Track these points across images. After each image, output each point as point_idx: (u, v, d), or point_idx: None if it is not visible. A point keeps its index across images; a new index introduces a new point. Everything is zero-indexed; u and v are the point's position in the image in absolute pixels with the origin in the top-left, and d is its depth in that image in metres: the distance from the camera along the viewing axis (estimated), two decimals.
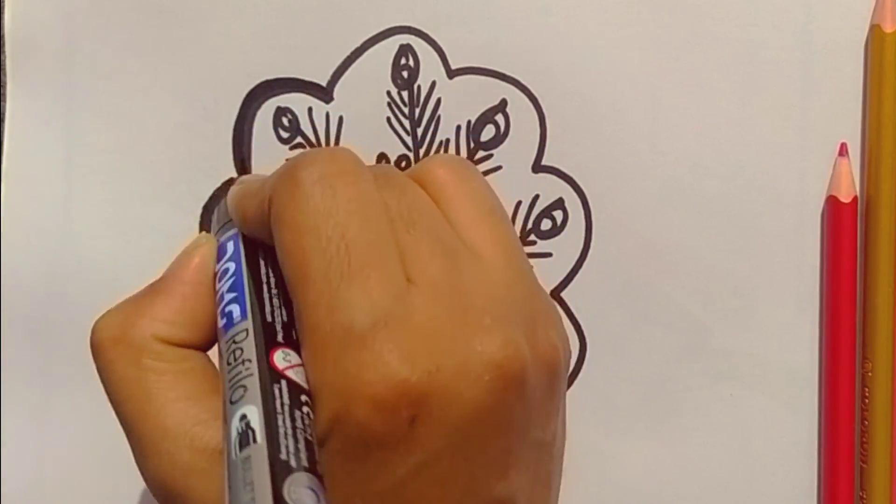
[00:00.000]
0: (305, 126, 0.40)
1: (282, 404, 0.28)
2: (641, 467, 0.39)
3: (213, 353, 0.33)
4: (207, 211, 0.40)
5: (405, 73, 0.39)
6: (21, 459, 0.40)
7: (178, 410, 0.31)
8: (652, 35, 0.39)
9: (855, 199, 0.38)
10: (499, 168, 0.39)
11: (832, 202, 0.38)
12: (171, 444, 0.30)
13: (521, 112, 0.39)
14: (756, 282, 0.39)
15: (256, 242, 0.33)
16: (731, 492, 0.39)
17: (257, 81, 0.40)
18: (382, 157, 0.39)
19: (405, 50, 0.39)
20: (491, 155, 0.39)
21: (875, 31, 0.38)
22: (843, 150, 0.38)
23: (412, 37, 0.39)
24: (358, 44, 0.39)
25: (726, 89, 0.39)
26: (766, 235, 0.39)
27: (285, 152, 0.40)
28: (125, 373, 0.32)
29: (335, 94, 0.40)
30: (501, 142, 0.39)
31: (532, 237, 0.39)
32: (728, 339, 0.39)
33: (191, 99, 0.40)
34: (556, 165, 0.39)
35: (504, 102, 0.39)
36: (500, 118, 0.39)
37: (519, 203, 0.39)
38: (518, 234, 0.39)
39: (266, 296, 0.31)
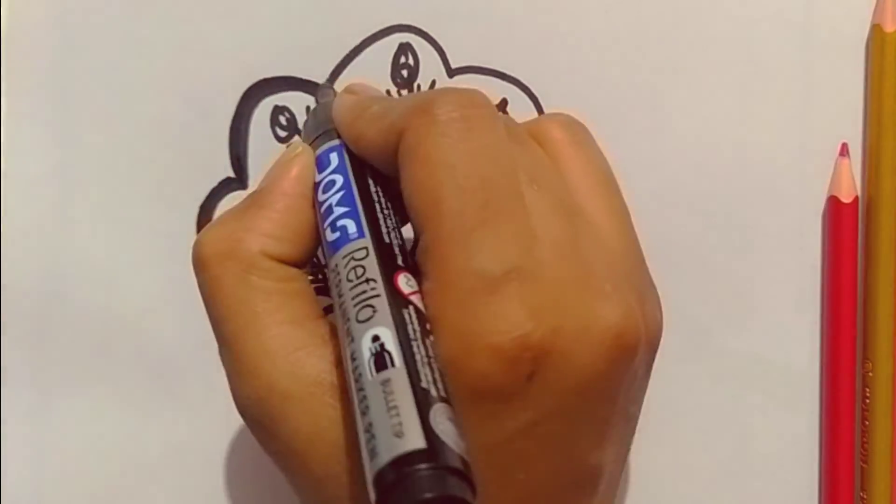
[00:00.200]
0: (303, 125, 0.40)
1: (414, 330, 0.28)
2: (642, 468, 0.39)
3: None
4: (204, 210, 0.40)
5: (405, 72, 0.39)
6: (20, 459, 0.40)
7: (282, 333, 0.30)
8: (652, 35, 0.39)
9: (856, 199, 0.38)
10: None
11: (833, 202, 0.38)
12: (271, 367, 0.30)
13: (521, 111, 0.39)
14: (756, 282, 0.39)
15: (360, 158, 0.32)
16: (731, 492, 0.39)
17: (254, 80, 0.40)
18: None
19: (405, 48, 0.39)
20: None
21: (876, 30, 0.38)
22: (843, 150, 0.38)
23: (412, 35, 0.39)
24: (357, 42, 0.39)
25: (727, 89, 0.39)
26: (767, 235, 0.39)
27: (282, 151, 0.40)
28: (232, 290, 0.31)
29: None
30: None
31: None
32: (728, 339, 0.39)
33: (187, 98, 0.40)
34: None
35: (504, 102, 0.39)
36: None
37: None
38: None
39: (380, 216, 0.31)
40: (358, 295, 0.29)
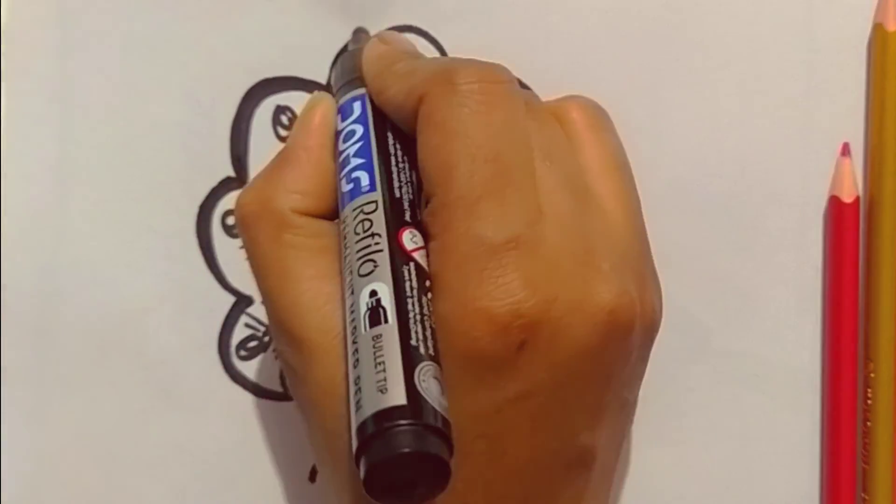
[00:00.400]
0: None
1: (411, 287, 0.28)
2: (643, 468, 0.39)
3: None
4: (204, 210, 0.40)
5: None
6: (20, 459, 0.40)
7: (312, 287, 0.31)
8: (653, 34, 0.39)
9: (857, 199, 0.38)
10: None
11: (834, 202, 0.38)
12: (301, 320, 0.31)
13: None
14: (758, 282, 0.39)
15: (382, 111, 0.33)
16: (732, 493, 0.39)
17: (256, 79, 0.40)
18: None
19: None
20: None
21: (878, 30, 0.38)
22: (845, 150, 0.38)
23: (414, 35, 0.39)
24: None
25: (728, 89, 0.39)
26: (768, 235, 0.39)
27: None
28: (266, 248, 0.32)
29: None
30: None
31: None
32: (730, 339, 0.39)
33: (188, 97, 0.40)
34: None
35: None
36: None
37: None
38: None
39: (394, 169, 0.31)
40: (362, 249, 0.29)
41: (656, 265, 0.34)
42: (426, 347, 0.28)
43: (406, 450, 0.26)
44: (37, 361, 0.40)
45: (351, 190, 0.31)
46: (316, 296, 0.31)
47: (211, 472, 0.40)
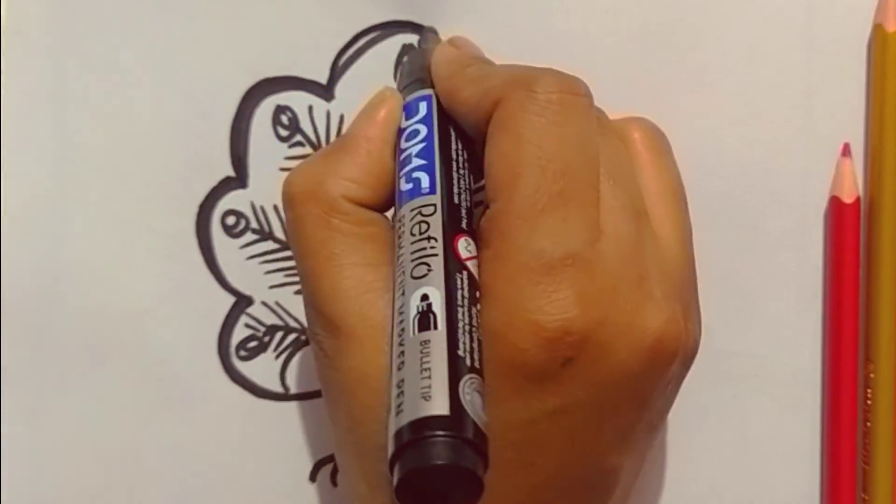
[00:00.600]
0: (305, 124, 0.40)
1: (462, 296, 0.28)
2: (643, 468, 0.39)
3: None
4: (203, 209, 0.40)
5: None
6: (20, 459, 0.39)
7: (355, 274, 0.31)
8: (653, 34, 0.39)
9: (857, 199, 0.38)
10: None
11: (835, 202, 0.38)
12: (341, 305, 0.31)
13: None
14: (758, 282, 0.39)
15: (447, 113, 0.33)
16: (732, 493, 0.39)
17: (256, 79, 0.40)
18: None
19: (408, 50, 0.39)
20: None
21: (877, 30, 0.38)
22: (845, 151, 0.38)
23: (414, 36, 0.39)
24: (360, 43, 0.39)
25: (728, 89, 0.39)
26: (769, 236, 0.39)
27: (284, 151, 0.40)
28: (313, 230, 0.32)
29: (336, 93, 0.39)
30: None
31: None
32: (730, 339, 0.39)
33: (187, 96, 0.40)
34: None
35: None
36: None
37: None
38: None
39: (455, 174, 0.31)
40: (418, 251, 0.29)
41: None
42: (472, 359, 0.27)
43: (441, 461, 0.25)
44: (37, 361, 0.39)
45: (410, 190, 0.31)
46: (358, 283, 0.31)
47: (210, 472, 0.40)
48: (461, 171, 0.32)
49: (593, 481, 0.31)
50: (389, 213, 0.33)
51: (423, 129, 0.32)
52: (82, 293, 0.39)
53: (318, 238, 0.32)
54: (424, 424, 0.26)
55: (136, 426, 0.40)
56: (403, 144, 0.32)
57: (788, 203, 0.39)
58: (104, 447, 0.40)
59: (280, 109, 0.40)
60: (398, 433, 0.26)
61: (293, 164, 0.39)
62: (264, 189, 0.40)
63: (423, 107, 0.33)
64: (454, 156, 0.32)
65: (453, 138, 0.32)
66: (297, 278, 0.40)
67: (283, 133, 0.40)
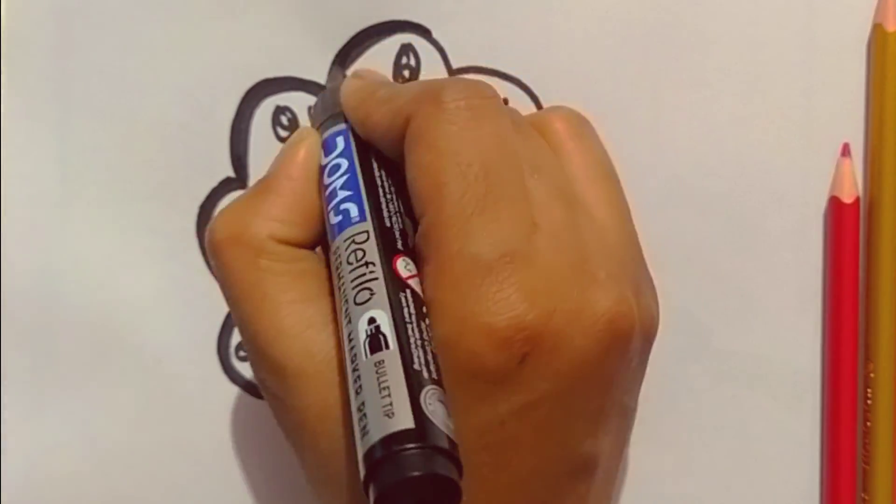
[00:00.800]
0: (305, 124, 0.39)
1: (409, 313, 0.28)
2: (642, 468, 0.39)
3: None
4: (204, 210, 0.40)
5: (406, 73, 0.39)
6: (20, 459, 0.39)
7: (293, 312, 0.31)
8: (653, 34, 0.39)
9: (857, 199, 0.38)
10: None
11: (834, 202, 0.38)
12: (284, 346, 0.31)
13: (522, 111, 0.39)
14: (758, 282, 0.39)
15: (365, 143, 0.33)
16: (732, 493, 0.39)
17: (256, 80, 0.40)
18: None
19: (406, 49, 0.39)
20: None
21: (877, 30, 0.38)
22: (845, 151, 0.38)
23: (413, 36, 0.39)
24: (359, 43, 0.39)
25: (728, 89, 0.39)
26: (769, 236, 0.39)
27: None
28: (242, 273, 0.32)
29: None
30: None
31: None
32: (730, 339, 0.39)
33: (187, 97, 0.40)
34: None
35: (505, 101, 0.39)
36: None
37: None
38: None
39: (382, 200, 0.31)
40: (357, 278, 0.29)
41: (657, 266, 0.34)
42: (429, 371, 0.27)
43: (417, 472, 0.26)
44: (37, 361, 0.40)
45: (340, 222, 0.31)
46: (298, 320, 0.31)
47: (210, 472, 0.40)
48: (388, 196, 0.32)
49: (572, 469, 0.31)
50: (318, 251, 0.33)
51: (345, 162, 0.33)
52: (82, 293, 0.40)
53: (249, 281, 0.32)
54: (393, 440, 0.26)
55: (136, 426, 0.40)
56: (327, 180, 0.33)
57: (788, 203, 0.39)
58: (104, 447, 0.40)
59: (280, 110, 0.40)
60: (368, 453, 0.26)
61: None
62: None
63: (340, 141, 0.33)
64: (379, 182, 0.32)
65: (375, 167, 0.32)
66: None
67: (283, 133, 0.40)
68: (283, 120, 0.40)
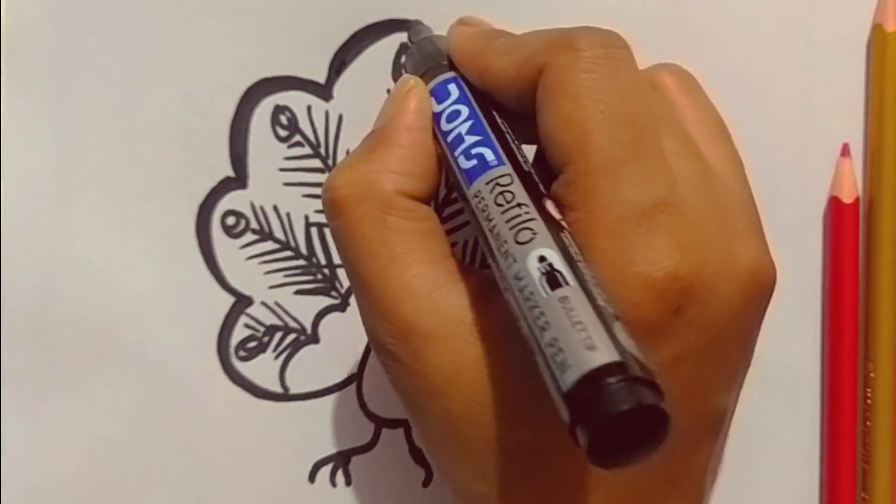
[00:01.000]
0: (304, 124, 0.39)
1: (575, 252, 0.27)
2: None
3: None
4: (203, 210, 0.40)
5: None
6: (20, 459, 0.39)
7: (423, 272, 0.30)
8: (653, 34, 0.39)
9: (857, 199, 0.38)
10: None
11: (834, 203, 0.38)
12: (414, 305, 0.30)
13: None
14: None
15: (479, 91, 0.32)
16: (732, 493, 0.39)
17: (255, 79, 0.39)
18: None
19: (406, 49, 0.39)
20: None
21: (877, 30, 0.38)
22: (845, 151, 0.38)
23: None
24: (358, 41, 0.39)
25: (728, 89, 0.38)
26: (768, 236, 0.38)
27: (283, 151, 0.40)
28: (370, 231, 0.31)
29: (335, 93, 0.39)
30: None
31: None
32: None
33: (187, 97, 0.40)
34: None
35: None
36: None
37: None
38: None
39: (512, 145, 0.31)
40: (513, 218, 0.28)
41: None
42: (611, 307, 0.26)
43: (631, 405, 0.24)
44: (36, 361, 0.39)
45: (475, 166, 0.30)
46: (428, 280, 0.30)
47: (209, 472, 0.40)
48: (515, 143, 0.31)
49: (705, 424, 0.30)
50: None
51: (464, 109, 0.32)
52: (82, 293, 0.39)
53: (377, 239, 0.31)
54: (597, 374, 0.25)
55: (136, 426, 0.40)
56: (447, 126, 0.32)
57: (788, 203, 0.39)
58: (104, 447, 0.39)
59: (279, 109, 0.40)
60: (576, 388, 0.25)
61: (293, 164, 0.40)
62: (264, 189, 0.40)
63: (453, 89, 0.33)
64: (503, 128, 0.31)
65: (495, 114, 0.32)
66: (297, 279, 0.40)
67: (283, 133, 0.40)
68: (283, 119, 0.40)
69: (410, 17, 0.39)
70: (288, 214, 0.40)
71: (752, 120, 0.39)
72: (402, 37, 0.39)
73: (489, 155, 0.30)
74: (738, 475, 0.39)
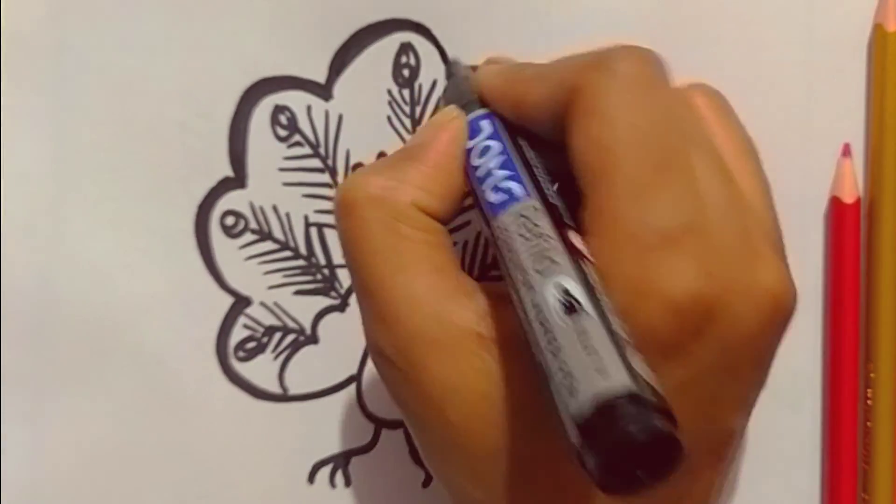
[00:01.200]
0: (304, 124, 0.39)
1: (594, 280, 0.28)
2: None
3: None
4: (202, 210, 0.40)
5: (406, 72, 0.39)
6: (19, 459, 0.39)
7: (430, 282, 0.30)
8: (653, 34, 0.39)
9: (858, 199, 0.38)
10: None
11: (835, 203, 0.38)
12: (418, 314, 0.30)
13: None
14: None
15: (512, 127, 0.33)
16: (733, 493, 0.39)
17: (255, 79, 0.39)
18: (382, 156, 0.39)
19: (406, 48, 0.39)
20: None
21: (878, 30, 0.38)
22: (846, 151, 0.38)
23: (413, 35, 0.39)
24: (358, 42, 0.39)
25: (728, 89, 0.38)
26: None
27: (283, 151, 0.39)
28: (381, 236, 0.31)
29: (335, 92, 0.39)
30: None
31: None
32: None
33: (186, 96, 0.40)
34: None
35: None
36: None
37: None
38: None
39: (540, 179, 0.31)
40: (534, 248, 0.29)
41: None
42: (627, 335, 0.26)
43: (649, 433, 0.24)
44: (36, 361, 0.39)
45: (503, 200, 0.31)
46: (435, 290, 0.30)
47: (209, 473, 0.40)
48: (543, 176, 0.31)
49: (716, 446, 0.30)
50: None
51: (496, 144, 0.32)
52: (81, 293, 0.39)
53: (386, 245, 0.31)
54: (608, 399, 0.24)
55: (135, 427, 0.39)
56: (477, 161, 0.32)
57: (788, 204, 0.38)
58: (103, 447, 0.39)
59: (279, 109, 0.40)
60: (584, 413, 0.25)
61: (292, 164, 0.39)
62: (263, 189, 0.39)
63: (485, 125, 0.33)
64: (533, 163, 0.32)
65: (525, 149, 0.32)
66: (296, 279, 0.39)
67: (282, 133, 0.40)
68: (282, 119, 0.40)
69: (411, 17, 0.39)
70: (287, 214, 0.40)
71: (753, 120, 0.38)
72: (402, 36, 0.39)
73: (517, 189, 0.31)
74: (739, 476, 0.39)
